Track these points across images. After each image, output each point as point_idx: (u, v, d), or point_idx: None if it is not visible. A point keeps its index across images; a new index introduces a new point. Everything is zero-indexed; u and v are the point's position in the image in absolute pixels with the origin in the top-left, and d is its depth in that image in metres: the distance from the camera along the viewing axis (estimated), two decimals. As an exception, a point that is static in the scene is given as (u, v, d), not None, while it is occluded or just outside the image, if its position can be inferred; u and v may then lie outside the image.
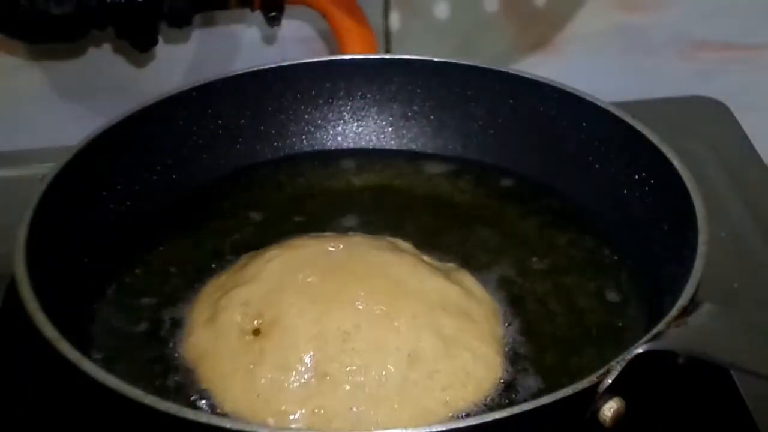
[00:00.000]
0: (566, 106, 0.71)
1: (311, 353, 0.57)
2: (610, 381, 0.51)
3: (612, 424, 0.51)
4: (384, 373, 0.57)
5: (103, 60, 0.84)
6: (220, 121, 0.75)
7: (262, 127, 0.76)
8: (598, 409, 0.51)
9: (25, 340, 0.56)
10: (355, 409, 0.56)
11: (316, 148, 0.77)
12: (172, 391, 0.58)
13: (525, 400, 0.50)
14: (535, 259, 0.67)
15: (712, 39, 0.89)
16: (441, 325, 0.59)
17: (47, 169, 0.65)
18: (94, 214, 0.67)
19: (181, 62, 0.84)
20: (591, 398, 0.51)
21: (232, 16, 0.83)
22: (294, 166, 0.76)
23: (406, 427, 0.50)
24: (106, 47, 0.84)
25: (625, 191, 0.68)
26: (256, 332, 0.59)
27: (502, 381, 0.58)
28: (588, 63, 0.88)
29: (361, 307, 0.59)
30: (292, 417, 0.56)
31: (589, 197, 0.71)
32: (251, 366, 0.57)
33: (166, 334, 0.62)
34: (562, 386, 0.51)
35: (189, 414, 0.50)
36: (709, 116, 0.88)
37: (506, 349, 0.60)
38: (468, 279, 0.64)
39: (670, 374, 0.55)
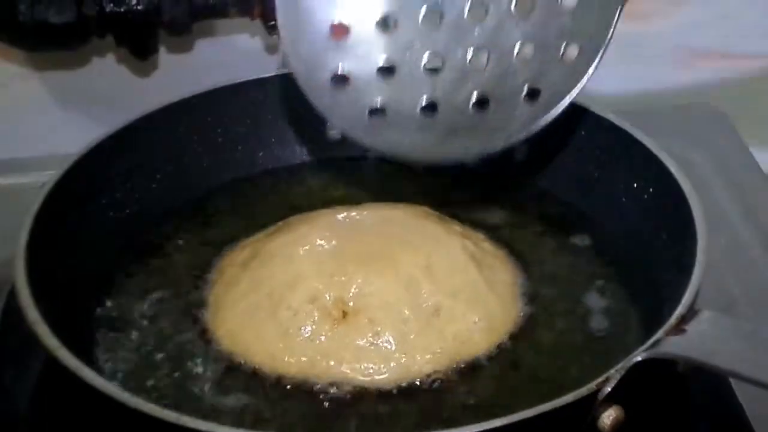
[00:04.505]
0: (566, 115, 0.71)
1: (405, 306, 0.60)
2: (609, 389, 0.51)
3: (611, 432, 0.51)
4: None
5: (104, 68, 0.84)
6: (220, 129, 0.75)
7: (262, 135, 0.76)
8: (597, 417, 0.51)
9: (27, 347, 0.56)
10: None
11: (317, 155, 0.77)
12: (170, 397, 0.58)
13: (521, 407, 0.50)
14: (533, 266, 0.67)
15: (711, 48, 0.89)
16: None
17: (47, 177, 0.65)
18: (95, 221, 0.67)
19: (182, 71, 0.84)
20: (590, 406, 0.51)
21: (233, 25, 0.83)
22: (295, 174, 0.76)
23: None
24: (107, 56, 0.84)
25: (624, 199, 0.68)
26: (344, 314, 0.60)
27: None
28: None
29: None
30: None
31: (587, 205, 0.71)
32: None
33: (167, 341, 0.62)
34: (560, 394, 0.51)
35: (188, 422, 0.50)
36: (707, 125, 0.88)
37: (505, 351, 0.61)
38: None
39: (669, 382, 0.55)
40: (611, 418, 0.51)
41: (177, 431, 0.50)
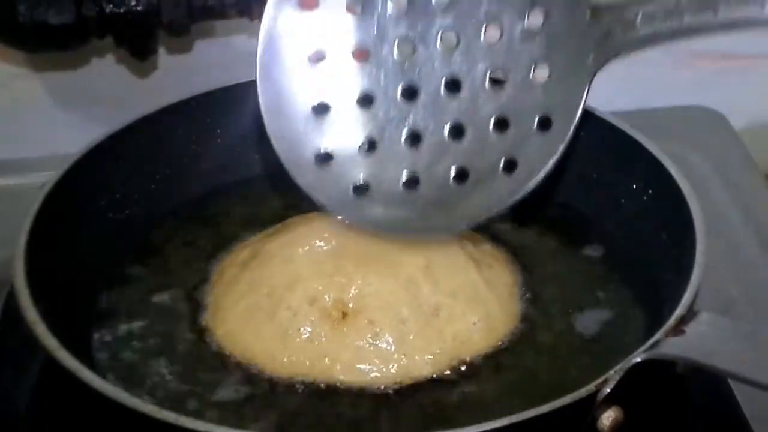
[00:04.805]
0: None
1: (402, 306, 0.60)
2: (608, 390, 0.51)
3: (610, 434, 0.52)
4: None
5: (104, 68, 0.84)
6: (219, 130, 0.75)
7: (262, 136, 0.76)
8: (596, 418, 0.51)
9: (26, 347, 0.56)
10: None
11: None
12: (170, 398, 0.58)
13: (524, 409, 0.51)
14: (532, 266, 0.67)
15: (710, 49, 0.89)
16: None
17: (47, 177, 0.65)
18: (94, 221, 0.67)
19: (181, 72, 0.84)
20: (589, 407, 0.51)
21: (232, 26, 0.83)
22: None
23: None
24: (107, 56, 0.84)
25: (623, 201, 0.68)
26: (344, 315, 0.60)
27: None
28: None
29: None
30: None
31: (587, 206, 0.71)
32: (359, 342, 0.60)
33: (166, 341, 0.62)
34: (560, 395, 0.51)
35: (186, 422, 0.50)
36: (707, 126, 0.88)
37: (505, 352, 0.61)
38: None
39: (668, 383, 0.55)
40: (610, 419, 0.51)
41: (175, 431, 0.50)
